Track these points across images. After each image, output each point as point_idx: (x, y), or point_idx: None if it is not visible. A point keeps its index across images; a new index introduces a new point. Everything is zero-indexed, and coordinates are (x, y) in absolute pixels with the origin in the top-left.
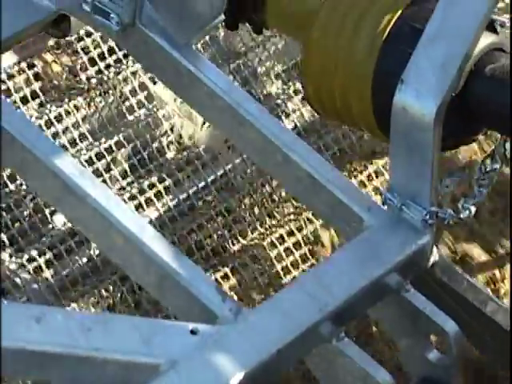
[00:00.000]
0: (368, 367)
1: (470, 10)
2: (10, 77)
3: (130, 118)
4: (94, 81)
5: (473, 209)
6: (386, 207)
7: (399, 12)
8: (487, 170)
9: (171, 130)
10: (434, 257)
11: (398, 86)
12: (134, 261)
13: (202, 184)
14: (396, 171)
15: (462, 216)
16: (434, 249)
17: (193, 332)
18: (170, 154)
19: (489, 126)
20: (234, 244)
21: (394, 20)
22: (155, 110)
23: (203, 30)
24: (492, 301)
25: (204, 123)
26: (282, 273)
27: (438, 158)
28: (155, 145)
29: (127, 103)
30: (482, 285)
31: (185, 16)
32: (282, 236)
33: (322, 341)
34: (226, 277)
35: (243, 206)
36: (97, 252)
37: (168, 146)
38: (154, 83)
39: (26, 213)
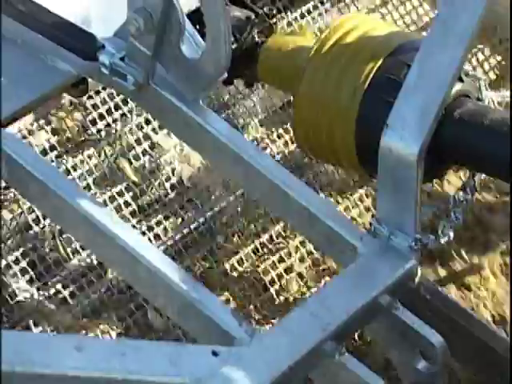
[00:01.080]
0: (368, 379)
1: (445, 63)
2: (30, 132)
3: (136, 164)
4: (103, 133)
5: (451, 234)
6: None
7: (377, 65)
8: (461, 200)
9: (172, 173)
10: (419, 277)
11: (383, 130)
12: (158, 291)
13: (202, 220)
14: (383, 204)
15: (442, 241)
16: (419, 270)
17: (214, 353)
18: (172, 195)
19: (459, 163)
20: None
21: (372, 73)
22: (158, 156)
23: (209, 88)
24: (471, 317)
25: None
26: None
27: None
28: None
29: (133, 151)
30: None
31: (193, 76)
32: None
33: (326, 356)
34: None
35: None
36: (113, 283)
37: (171, 188)
38: (156, 133)
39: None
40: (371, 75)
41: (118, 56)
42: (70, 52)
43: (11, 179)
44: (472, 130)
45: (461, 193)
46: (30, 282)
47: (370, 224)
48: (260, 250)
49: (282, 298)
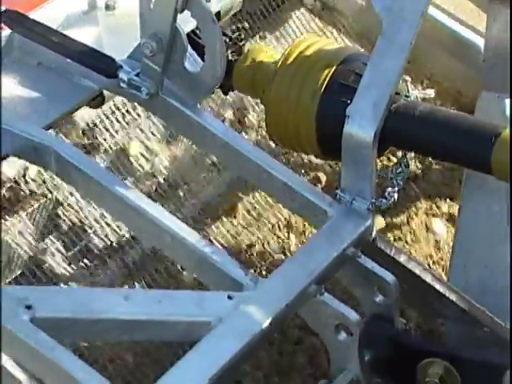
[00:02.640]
0: (342, 310)
1: (390, 68)
2: None
3: None
4: None
5: (396, 196)
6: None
7: (330, 73)
8: (397, 171)
9: None
10: (374, 233)
11: (346, 120)
12: (180, 252)
13: None
14: (346, 176)
15: (390, 202)
16: (374, 227)
17: (229, 297)
18: None
19: (396, 145)
20: None
21: (327, 79)
22: None
23: (207, 94)
24: (415, 261)
25: None
26: None
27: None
28: None
29: None
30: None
31: (194, 86)
32: None
33: (311, 296)
34: None
35: None
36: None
37: None
38: None
39: None
40: (326, 81)
41: (133, 73)
42: (94, 72)
43: (59, 171)
44: (405, 119)
45: (397, 166)
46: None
47: (336, 193)
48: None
49: None
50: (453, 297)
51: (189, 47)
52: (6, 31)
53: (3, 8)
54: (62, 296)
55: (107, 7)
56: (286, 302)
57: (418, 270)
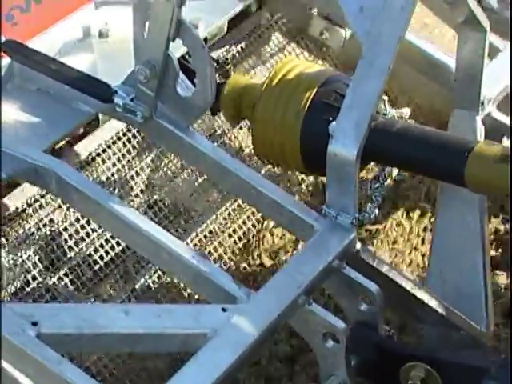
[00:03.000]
0: (329, 319)
1: (371, 90)
2: None
3: None
4: None
5: (376, 211)
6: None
7: (313, 93)
8: (376, 187)
9: None
10: (357, 245)
11: (330, 139)
12: (177, 268)
13: None
14: (331, 193)
15: (372, 217)
16: (357, 240)
17: (223, 310)
18: None
19: (375, 160)
20: None
21: (310, 99)
22: None
23: (198, 117)
24: (396, 271)
25: None
26: None
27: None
28: None
29: None
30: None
31: (186, 109)
32: None
33: (300, 306)
34: None
35: None
36: None
37: None
38: None
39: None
40: (309, 101)
41: (128, 98)
42: (91, 97)
43: (59, 193)
44: (383, 136)
45: (375, 181)
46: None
47: (321, 209)
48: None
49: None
50: (431, 303)
51: (180, 73)
52: (7, 59)
53: (3, 38)
54: (65, 312)
55: (101, 35)
56: (277, 313)
57: (399, 279)
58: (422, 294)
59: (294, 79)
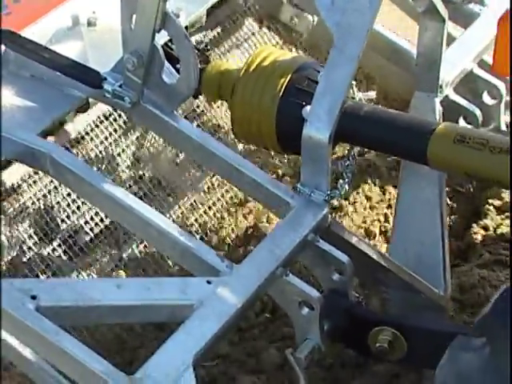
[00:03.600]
0: (304, 288)
1: (342, 77)
2: None
3: None
4: None
5: (347, 187)
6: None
7: (287, 79)
8: (346, 165)
9: None
10: (329, 220)
11: (304, 123)
12: (165, 244)
13: None
14: (305, 172)
15: (342, 193)
16: (329, 215)
17: (208, 282)
18: None
19: (343, 141)
20: None
21: (284, 84)
22: None
23: (182, 102)
24: (364, 242)
25: None
26: None
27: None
28: None
29: None
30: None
31: (171, 95)
32: None
33: (278, 277)
34: None
35: None
36: None
37: None
38: None
39: None
40: (284, 86)
41: (117, 84)
42: (82, 83)
43: (54, 174)
44: (352, 119)
45: (345, 159)
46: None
47: (296, 187)
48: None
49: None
50: (395, 270)
51: (166, 61)
52: (2, 47)
53: None
54: (62, 287)
55: (89, 23)
56: (258, 284)
57: (366, 250)
58: (386, 262)
59: (269, 66)
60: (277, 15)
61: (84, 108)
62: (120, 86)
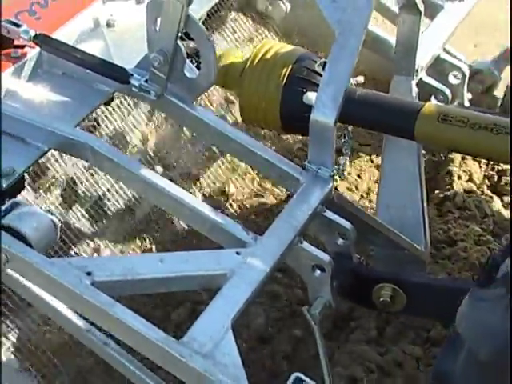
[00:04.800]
0: (317, 253)
1: (344, 68)
2: None
3: None
4: None
5: (347, 162)
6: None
7: (288, 70)
8: (343, 142)
9: None
10: (334, 193)
11: (312, 110)
12: (196, 221)
13: None
14: (312, 152)
15: (343, 168)
16: (333, 188)
17: (237, 253)
18: None
19: (341, 122)
20: None
21: (286, 74)
22: None
23: (201, 94)
24: (361, 210)
25: None
26: None
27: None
28: None
29: None
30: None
31: (192, 88)
32: None
33: (295, 245)
34: None
35: None
36: None
37: None
38: None
39: None
40: (286, 76)
41: (143, 80)
42: (111, 79)
43: (94, 162)
44: (348, 101)
45: (342, 138)
46: None
47: (304, 165)
48: None
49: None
50: (384, 230)
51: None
52: (36, 49)
53: (33, 32)
54: (113, 262)
55: (108, 25)
56: (280, 253)
57: (363, 216)
58: (377, 225)
59: (271, 58)
60: (253, 4)
61: (109, 101)
62: (146, 81)
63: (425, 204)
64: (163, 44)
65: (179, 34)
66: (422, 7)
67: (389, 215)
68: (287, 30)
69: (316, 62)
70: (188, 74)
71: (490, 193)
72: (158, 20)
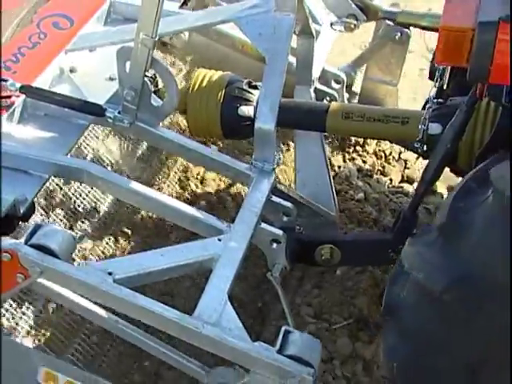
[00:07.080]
0: (273, 230)
1: (276, 84)
2: None
3: None
4: None
5: (281, 155)
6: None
7: (223, 91)
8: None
9: None
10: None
11: (256, 119)
12: (178, 218)
13: None
14: (257, 152)
15: (280, 160)
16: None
17: (219, 240)
18: None
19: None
20: None
21: (223, 94)
22: None
23: (165, 118)
24: (294, 192)
25: None
26: None
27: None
28: None
29: None
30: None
31: (157, 113)
32: None
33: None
34: None
35: None
36: None
37: None
38: None
39: None
40: (222, 95)
41: (116, 112)
42: (88, 114)
43: (89, 183)
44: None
45: None
46: None
47: (251, 162)
48: None
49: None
50: (306, 203)
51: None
52: (22, 97)
53: (18, 84)
54: (126, 261)
55: (71, 70)
56: (250, 234)
57: (295, 196)
58: (302, 200)
59: (208, 83)
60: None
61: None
62: (119, 113)
63: (331, 179)
64: (133, 82)
65: (146, 73)
66: (314, 33)
67: (306, 191)
68: (188, 53)
69: (243, 81)
70: (154, 103)
71: None
72: (127, 63)
